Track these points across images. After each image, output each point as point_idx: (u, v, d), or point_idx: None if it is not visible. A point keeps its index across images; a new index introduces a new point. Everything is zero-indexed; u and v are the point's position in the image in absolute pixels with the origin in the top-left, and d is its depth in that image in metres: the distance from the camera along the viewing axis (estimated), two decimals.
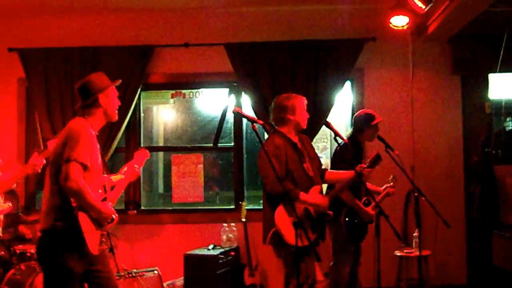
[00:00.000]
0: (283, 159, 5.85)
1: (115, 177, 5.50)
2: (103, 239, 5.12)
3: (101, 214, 4.87)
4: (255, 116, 8.06)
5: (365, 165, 6.36)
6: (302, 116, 6.11)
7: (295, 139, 6.12)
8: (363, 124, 7.06)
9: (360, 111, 7.31)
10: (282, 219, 5.70)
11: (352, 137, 7.07)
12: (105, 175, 5.23)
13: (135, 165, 5.54)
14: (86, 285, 5.10)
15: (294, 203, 5.59)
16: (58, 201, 4.78)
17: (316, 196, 5.99)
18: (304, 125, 6.19)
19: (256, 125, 5.31)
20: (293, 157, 5.95)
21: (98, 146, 5.06)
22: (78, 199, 4.69)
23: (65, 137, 4.81)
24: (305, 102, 6.19)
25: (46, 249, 4.86)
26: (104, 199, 5.00)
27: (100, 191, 5.03)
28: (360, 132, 7.09)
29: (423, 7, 7.30)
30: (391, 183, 7.01)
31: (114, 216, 5.00)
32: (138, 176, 5.59)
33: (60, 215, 4.77)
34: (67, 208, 4.73)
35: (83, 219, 4.75)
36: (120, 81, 5.27)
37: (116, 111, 5.18)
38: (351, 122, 7.29)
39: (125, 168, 5.55)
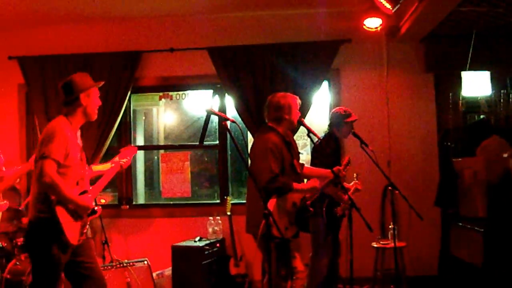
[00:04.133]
0: (279, 156, 5.68)
1: (96, 167, 5.47)
2: (84, 231, 5.01)
3: (79, 206, 4.83)
4: (233, 115, 8.01)
5: (342, 168, 6.23)
6: (295, 115, 5.94)
7: (288, 137, 5.97)
8: (339, 120, 6.84)
9: (337, 108, 7.12)
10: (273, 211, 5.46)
11: (329, 133, 6.88)
12: (86, 168, 5.17)
13: (121, 160, 5.42)
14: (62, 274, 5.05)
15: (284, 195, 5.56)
16: (41, 195, 4.77)
17: (307, 183, 5.88)
18: (295, 124, 6.02)
19: (228, 123, 5.10)
20: (287, 155, 5.80)
21: (79, 142, 5.07)
22: (53, 193, 4.69)
23: (43, 135, 4.83)
24: (299, 102, 6.03)
25: (31, 239, 4.87)
26: (84, 192, 4.95)
27: (81, 185, 4.97)
28: (336, 128, 6.86)
29: (391, 8, 7.06)
30: (357, 180, 6.74)
31: (95, 208, 4.97)
32: (125, 167, 5.46)
33: (42, 208, 4.77)
34: (47, 201, 4.72)
35: (61, 212, 4.73)
36: (103, 82, 5.25)
37: (96, 111, 5.13)
38: (329, 120, 7.09)
39: (116, 158, 5.47)
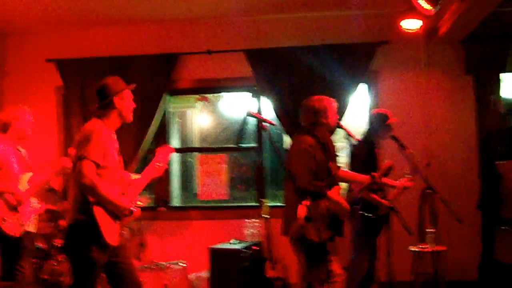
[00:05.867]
0: (314, 159, 5.68)
1: (134, 176, 5.47)
2: (123, 232, 5.13)
3: (117, 208, 4.90)
4: (271, 118, 7.69)
5: (377, 175, 6.12)
6: (332, 118, 5.95)
7: (324, 140, 5.95)
8: (377, 123, 6.92)
9: (375, 110, 7.23)
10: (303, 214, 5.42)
11: (367, 136, 6.93)
12: (125, 172, 5.28)
13: (156, 163, 5.39)
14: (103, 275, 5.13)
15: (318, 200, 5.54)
16: (79, 197, 4.84)
17: (340, 197, 5.86)
18: (333, 126, 6.05)
19: (267, 125, 5.26)
20: (322, 158, 5.79)
21: (116, 144, 5.15)
22: (92, 194, 4.76)
23: (80, 137, 4.89)
24: (335, 104, 6.04)
25: (71, 242, 4.94)
26: (123, 194, 5.03)
27: (120, 186, 5.06)
28: (374, 131, 6.92)
29: (431, 9, 6.91)
30: (408, 177, 6.80)
31: (132, 210, 5.02)
32: (160, 172, 5.44)
33: (80, 210, 4.84)
34: (86, 203, 4.78)
35: (99, 213, 4.80)
36: (135, 85, 5.28)
37: (131, 113, 5.21)
38: (367, 122, 7.16)
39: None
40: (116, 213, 4.90)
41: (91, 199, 4.75)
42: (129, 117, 5.18)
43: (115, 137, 5.17)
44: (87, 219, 4.76)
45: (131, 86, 5.21)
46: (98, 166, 4.76)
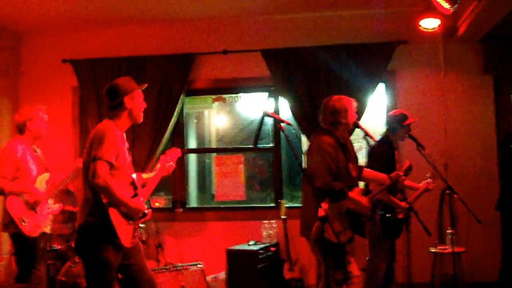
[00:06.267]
0: (334, 159, 5.67)
1: (146, 175, 5.53)
2: (135, 233, 5.09)
3: (131, 209, 4.89)
4: (288, 118, 7.96)
5: (401, 173, 6.17)
6: (352, 118, 5.92)
7: (344, 140, 5.95)
8: (396, 123, 6.85)
9: (394, 111, 7.16)
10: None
11: (385, 136, 6.90)
12: (136, 173, 5.24)
13: (165, 162, 5.45)
14: (119, 275, 5.11)
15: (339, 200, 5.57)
16: (91, 198, 4.84)
17: (361, 198, 5.82)
18: (352, 126, 6.03)
19: (284, 125, 5.14)
20: (342, 158, 5.78)
21: (127, 145, 5.13)
22: (106, 195, 4.75)
23: (92, 138, 4.88)
24: (355, 104, 6.01)
25: (83, 243, 4.93)
26: (135, 195, 5.01)
27: (132, 187, 5.04)
28: (393, 131, 6.87)
29: (449, 8, 6.85)
30: (430, 179, 6.76)
31: (146, 211, 5.02)
32: (170, 171, 5.48)
33: (92, 211, 4.83)
34: (98, 204, 4.78)
35: (114, 214, 4.79)
36: (146, 85, 5.24)
37: (141, 113, 5.17)
38: (385, 122, 7.13)
39: (158, 165, 5.50)
40: (129, 215, 4.89)
41: (104, 200, 4.74)
42: (140, 118, 5.15)
43: (125, 138, 5.15)
44: (100, 220, 4.74)
45: (142, 86, 5.17)
46: (111, 166, 4.76)
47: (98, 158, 4.67)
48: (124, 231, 4.84)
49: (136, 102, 5.07)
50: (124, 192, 4.86)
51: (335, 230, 5.31)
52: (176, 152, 5.61)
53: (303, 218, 5.90)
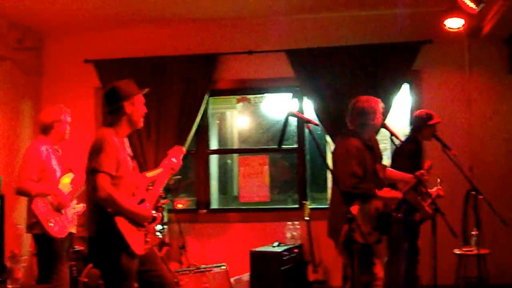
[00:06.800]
0: (361, 161, 5.71)
1: (149, 174, 5.47)
2: (147, 239, 5.00)
3: (138, 216, 4.82)
4: (315, 119, 8.01)
5: (425, 172, 6.26)
6: (379, 120, 5.95)
7: (370, 142, 5.98)
8: (421, 123, 6.95)
9: (420, 110, 7.22)
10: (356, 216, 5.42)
11: (410, 136, 6.98)
12: (139, 175, 5.21)
13: (172, 159, 5.34)
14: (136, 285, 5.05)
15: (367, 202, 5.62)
16: (96, 209, 4.77)
17: (391, 191, 5.85)
18: (378, 127, 6.08)
19: (311, 126, 5.02)
20: (369, 161, 5.82)
21: (128, 150, 5.03)
22: (111, 206, 4.67)
23: (90, 148, 4.78)
24: (382, 105, 6.03)
25: (97, 255, 4.90)
26: (142, 201, 4.93)
27: (138, 194, 4.97)
28: (418, 131, 6.97)
29: (475, 7, 6.83)
30: (440, 186, 6.79)
31: (155, 216, 4.97)
32: (176, 168, 5.36)
33: (99, 222, 4.78)
34: (104, 214, 4.69)
35: (122, 223, 4.71)
36: (148, 89, 5.09)
37: (142, 119, 5.06)
38: (410, 123, 7.20)
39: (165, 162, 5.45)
40: (137, 222, 4.81)
41: (110, 210, 4.66)
42: (140, 123, 5.04)
43: (127, 143, 5.06)
44: (109, 230, 4.67)
45: (143, 90, 5.03)
46: (112, 177, 4.65)
47: (97, 171, 4.57)
48: (135, 239, 4.78)
49: (137, 108, 4.95)
50: (130, 200, 4.79)
51: (363, 231, 5.35)
52: (179, 150, 5.47)
53: (330, 220, 5.89)
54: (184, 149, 5.58)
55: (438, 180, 6.75)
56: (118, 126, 4.91)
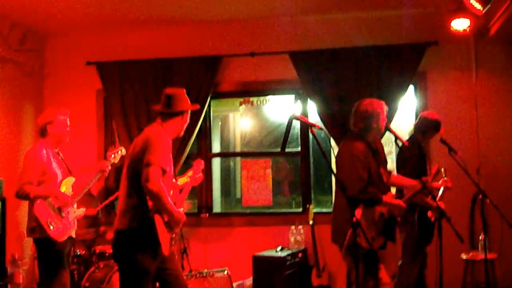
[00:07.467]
0: (366, 165, 5.66)
1: (181, 180, 5.63)
2: (173, 242, 5.15)
3: (174, 218, 4.94)
4: (316, 121, 7.84)
5: (430, 179, 6.21)
6: (383, 123, 5.89)
7: (375, 145, 5.93)
8: (427, 129, 6.91)
9: (429, 112, 7.14)
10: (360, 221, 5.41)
11: (414, 138, 6.89)
12: (173, 180, 5.33)
13: (196, 175, 5.71)
14: (157, 284, 5.22)
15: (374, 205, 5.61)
16: (135, 203, 4.86)
17: (396, 199, 5.80)
18: (382, 130, 6.00)
19: (315, 130, 5.02)
20: (373, 163, 5.76)
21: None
22: (156, 201, 4.77)
23: (144, 142, 4.89)
24: (386, 108, 5.98)
25: (122, 249, 4.95)
26: (174, 204, 5.03)
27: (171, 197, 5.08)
28: (423, 134, 6.91)
29: (481, 8, 6.80)
30: (445, 177, 6.67)
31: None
32: (199, 182, 5.75)
33: (136, 217, 4.84)
34: (143, 210, 4.82)
35: (158, 222, 4.83)
36: (199, 106, 5.55)
37: (184, 130, 5.36)
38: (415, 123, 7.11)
39: (190, 173, 5.72)
40: (171, 223, 4.93)
41: (150, 207, 4.77)
42: (182, 134, 5.31)
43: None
44: (144, 227, 4.78)
45: (194, 106, 5.35)
46: (164, 172, 4.81)
47: (152, 164, 4.70)
48: (165, 239, 4.88)
49: (185, 120, 5.24)
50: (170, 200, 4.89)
51: (367, 236, 5.31)
52: (201, 163, 5.84)
53: (334, 225, 5.84)
54: (203, 161, 5.96)
55: (442, 169, 6.65)
56: (169, 128, 5.11)
